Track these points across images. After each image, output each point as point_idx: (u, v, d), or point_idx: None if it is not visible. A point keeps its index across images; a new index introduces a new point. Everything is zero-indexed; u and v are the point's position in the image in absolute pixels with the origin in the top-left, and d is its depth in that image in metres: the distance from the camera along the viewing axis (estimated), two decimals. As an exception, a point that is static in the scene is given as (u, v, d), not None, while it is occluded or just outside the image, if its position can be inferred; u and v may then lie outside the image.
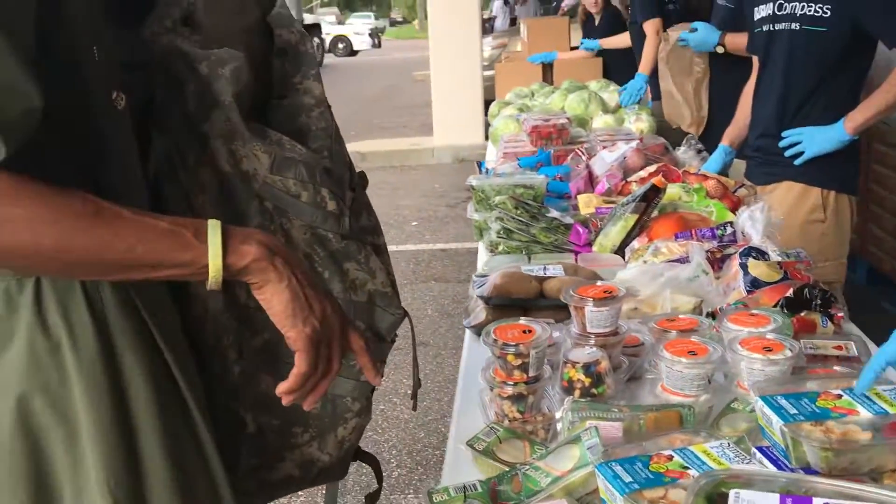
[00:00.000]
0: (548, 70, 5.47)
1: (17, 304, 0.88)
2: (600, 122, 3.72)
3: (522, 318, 1.31)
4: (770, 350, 1.24)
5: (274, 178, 1.09)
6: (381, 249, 1.31)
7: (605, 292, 1.36)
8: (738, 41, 2.90)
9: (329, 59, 24.15)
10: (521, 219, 2.10)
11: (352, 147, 8.27)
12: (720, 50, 3.04)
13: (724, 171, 2.65)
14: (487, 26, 19.00)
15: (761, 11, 2.40)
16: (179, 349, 1.01)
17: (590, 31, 5.49)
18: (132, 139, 0.98)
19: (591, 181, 2.61)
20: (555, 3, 13.16)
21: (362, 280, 1.19)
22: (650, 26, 4.00)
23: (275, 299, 0.91)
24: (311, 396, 0.97)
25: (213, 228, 0.88)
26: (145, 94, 1.02)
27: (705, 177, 2.40)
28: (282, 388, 0.94)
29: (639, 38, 4.19)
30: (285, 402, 0.95)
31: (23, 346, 0.88)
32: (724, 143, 2.68)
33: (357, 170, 1.30)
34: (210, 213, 1.03)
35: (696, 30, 3.11)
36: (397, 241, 5.41)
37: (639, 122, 3.60)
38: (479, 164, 2.86)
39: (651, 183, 2.04)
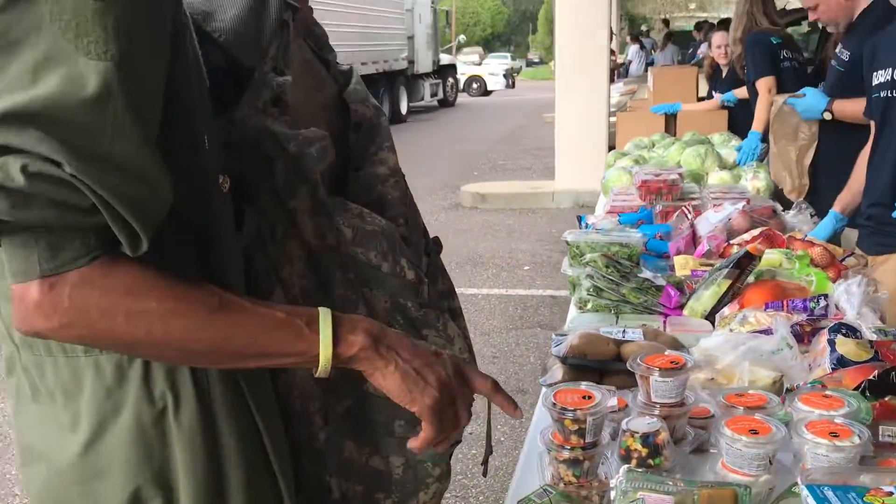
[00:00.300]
0: (671, 121, 5.42)
1: (128, 376, 0.93)
2: (716, 178, 3.66)
3: (584, 383, 1.33)
4: (836, 436, 1.21)
5: (356, 250, 1.12)
6: (457, 314, 1.33)
7: (671, 363, 1.37)
8: (847, 108, 2.82)
9: (463, 98, 24.65)
10: (611, 277, 2.11)
11: (473, 187, 8.47)
12: (828, 116, 2.95)
13: (834, 239, 2.57)
14: (622, 70, 18.96)
15: (880, 77, 2.33)
16: (271, 417, 1.05)
17: (716, 82, 5.42)
18: (231, 218, 1.02)
19: (694, 241, 2.58)
20: (690, 51, 12.99)
21: (441, 347, 1.19)
22: (763, 84, 3.93)
23: (387, 382, 0.96)
24: (439, 446, 1.03)
25: (325, 318, 0.93)
26: (236, 171, 1.07)
27: (812, 244, 2.34)
28: (412, 444, 1.01)
29: (753, 95, 4.12)
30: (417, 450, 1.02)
31: (130, 416, 0.93)
32: (836, 209, 2.60)
33: (432, 234, 1.35)
34: (296, 285, 1.08)
35: (804, 95, 3.03)
36: (508, 285, 5.46)
37: (755, 181, 3.52)
38: (580, 219, 2.88)
39: (745, 249, 2.01)
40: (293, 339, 0.92)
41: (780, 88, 3.87)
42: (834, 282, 2.10)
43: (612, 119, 7.74)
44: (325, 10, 13.29)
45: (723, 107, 5.21)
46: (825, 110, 2.98)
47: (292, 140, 1.07)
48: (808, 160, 3.09)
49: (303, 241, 1.10)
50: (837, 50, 3.07)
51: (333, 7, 13.69)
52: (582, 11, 7.70)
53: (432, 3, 19.44)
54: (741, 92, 4.96)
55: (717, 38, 5.31)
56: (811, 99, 3.01)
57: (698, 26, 14.35)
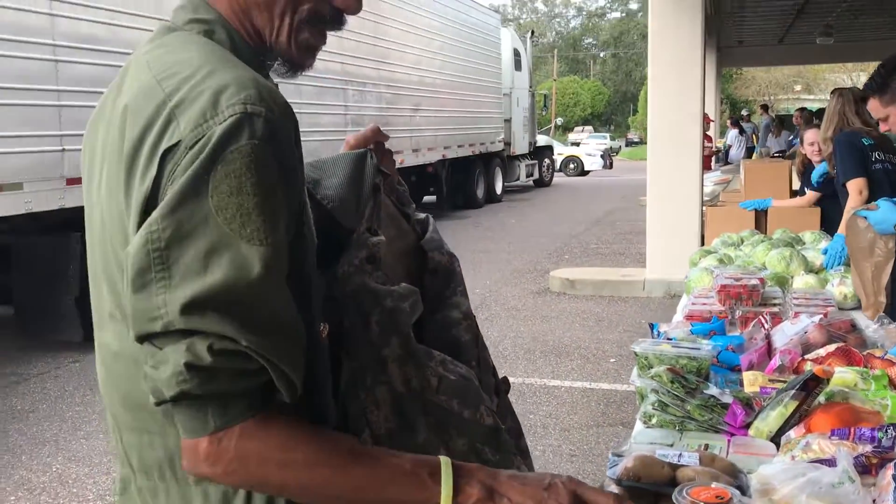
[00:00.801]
0: (762, 216, 5.37)
1: (232, 502, 1.02)
2: (801, 282, 3.61)
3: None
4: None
5: (440, 397, 1.20)
6: (525, 453, 1.38)
7: (717, 497, 1.38)
8: None
9: (559, 178, 24.82)
10: (676, 393, 2.12)
11: (563, 273, 8.50)
12: None
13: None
14: (721, 155, 18.77)
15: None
16: None
17: (808, 179, 5.35)
18: (329, 365, 1.11)
19: (769, 353, 2.56)
20: (791, 137, 12.78)
21: None
22: (853, 186, 3.86)
23: None
24: None
25: (446, 469, 0.99)
26: (335, 322, 1.17)
27: (892, 363, 2.29)
28: None
29: (843, 196, 4.05)
30: None
31: None
32: None
33: (500, 375, 1.42)
34: (382, 427, 1.15)
35: (877, 207, 2.94)
36: (592, 378, 5.42)
37: (842, 287, 3.45)
38: (652, 326, 2.89)
39: (811, 371, 2.00)
40: (417, 488, 0.98)
41: (872, 191, 3.81)
42: (913, 407, 2.05)
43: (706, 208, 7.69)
44: (424, 96, 13.77)
45: (817, 202, 5.14)
46: None
47: (388, 296, 1.17)
48: (885, 277, 2.97)
49: (391, 387, 1.17)
50: None
51: (433, 94, 14.17)
52: (675, 97, 7.74)
53: (530, 87, 19.84)
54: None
55: (810, 135, 5.27)
56: (883, 212, 2.92)
57: (801, 111, 14.15)
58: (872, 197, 3.51)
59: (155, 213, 0.90)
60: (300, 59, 1.12)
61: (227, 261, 0.89)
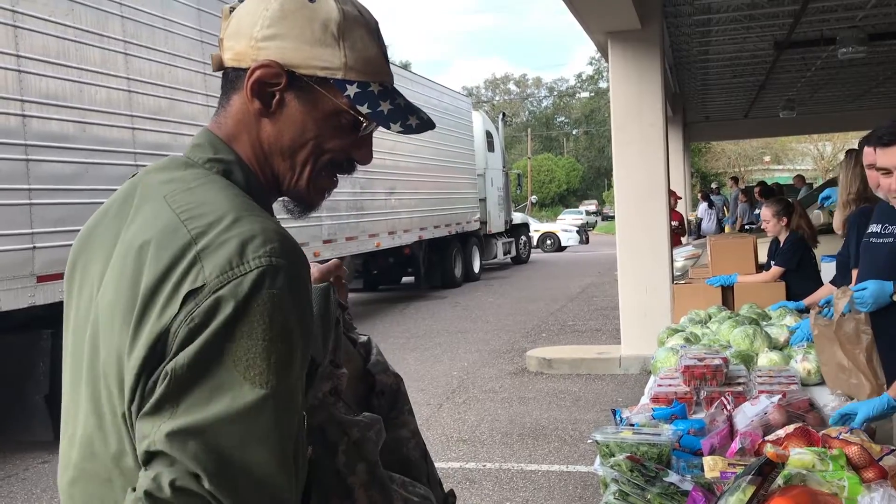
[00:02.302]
0: (728, 292, 5.43)
1: None
2: (765, 359, 3.64)
3: None
4: None
5: None
6: None
7: None
8: None
9: (536, 254, 25.01)
10: (636, 482, 2.13)
11: (539, 352, 8.49)
12: None
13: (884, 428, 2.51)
14: (693, 228, 19.04)
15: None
16: None
17: (774, 252, 5.45)
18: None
19: (731, 435, 2.57)
20: (757, 211, 13.02)
21: None
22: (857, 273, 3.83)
23: None
24: None
25: None
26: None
27: (848, 443, 2.31)
28: None
29: (840, 267, 4.01)
30: None
31: None
32: (891, 394, 2.54)
33: (447, 488, 1.45)
34: None
35: (865, 288, 2.94)
36: (569, 461, 5.38)
37: (805, 363, 3.49)
38: (615, 412, 2.90)
39: (765, 457, 2.01)
40: None
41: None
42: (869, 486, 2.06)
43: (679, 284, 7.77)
44: (399, 179, 13.97)
45: (781, 276, 5.22)
46: (894, 292, 2.89)
47: (354, 426, 1.21)
48: (877, 357, 3.00)
49: None
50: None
51: (408, 177, 14.38)
52: (639, 175, 7.91)
53: (504, 167, 20.18)
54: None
55: (765, 212, 5.40)
56: (875, 287, 2.93)
57: (761, 185, 14.45)
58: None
59: (182, 358, 0.94)
60: (314, 201, 1.20)
61: (228, 399, 0.93)
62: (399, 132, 1.16)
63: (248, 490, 0.94)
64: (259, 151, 1.14)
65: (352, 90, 1.12)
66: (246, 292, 0.95)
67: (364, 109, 1.13)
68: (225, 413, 0.93)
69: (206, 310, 0.95)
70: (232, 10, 1.16)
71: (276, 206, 1.23)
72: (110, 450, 1.03)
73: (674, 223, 10.79)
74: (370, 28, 1.16)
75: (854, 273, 3.40)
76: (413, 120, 1.17)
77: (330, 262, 1.39)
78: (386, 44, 1.20)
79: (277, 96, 1.11)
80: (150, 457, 0.93)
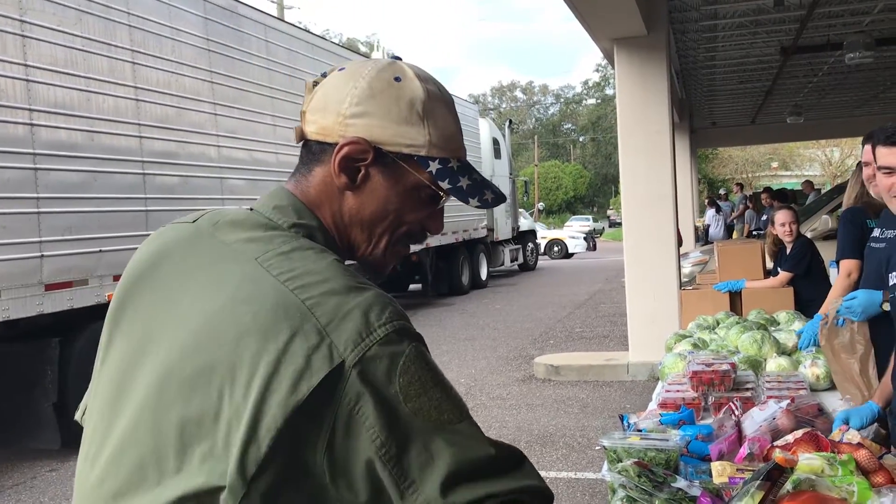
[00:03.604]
0: (736, 298, 5.41)
1: None
2: (773, 364, 3.63)
3: None
4: None
5: None
6: None
7: None
8: None
9: (544, 261, 24.98)
10: (643, 487, 2.11)
11: (547, 359, 8.47)
12: (887, 307, 2.89)
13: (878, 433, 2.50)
14: (701, 234, 19.00)
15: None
16: None
17: (781, 259, 5.43)
18: None
19: (740, 440, 2.56)
20: (765, 217, 12.99)
21: None
22: (844, 267, 3.86)
23: None
24: None
25: None
26: None
27: (858, 447, 2.29)
28: None
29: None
30: None
31: None
32: (875, 401, 2.53)
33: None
34: None
35: (854, 298, 2.95)
36: (577, 467, 5.36)
37: (814, 368, 3.47)
38: (622, 418, 2.89)
39: (774, 462, 2.00)
40: None
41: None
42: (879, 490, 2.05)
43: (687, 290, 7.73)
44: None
45: (790, 281, 5.20)
46: (882, 302, 2.89)
47: None
48: (872, 368, 2.99)
49: None
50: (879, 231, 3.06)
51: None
52: (645, 182, 7.90)
53: (511, 174, 20.19)
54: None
55: (781, 215, 5.37)
56: (864, 297, 2.94)
57: (767, 191, 14.40)
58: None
59: (378, 439, 0.97)
60: (386, 267, 1.23)
61: (444, 444, 0.99)
62: (477, 206, 1.20)
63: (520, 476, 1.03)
64: (340, 221, 1.17)
65: (434, 166, 1.15)
66: (392, 359, 0.99)
67: (445, 185, 1.16)
68: (456, 453, 0.98)
69: (360, 386, 0.97)
70: (316, 83, 1.19)
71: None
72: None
73: None
74: (449, 106, 1.20)
75: (832, 271, 3.43)
76: (489, 195, 1.20)
77: None
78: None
79: (363, 171, 1.14)
80: None
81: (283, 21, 12.75)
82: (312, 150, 1.18)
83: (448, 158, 1.17)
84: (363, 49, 33.41)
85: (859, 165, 4.18)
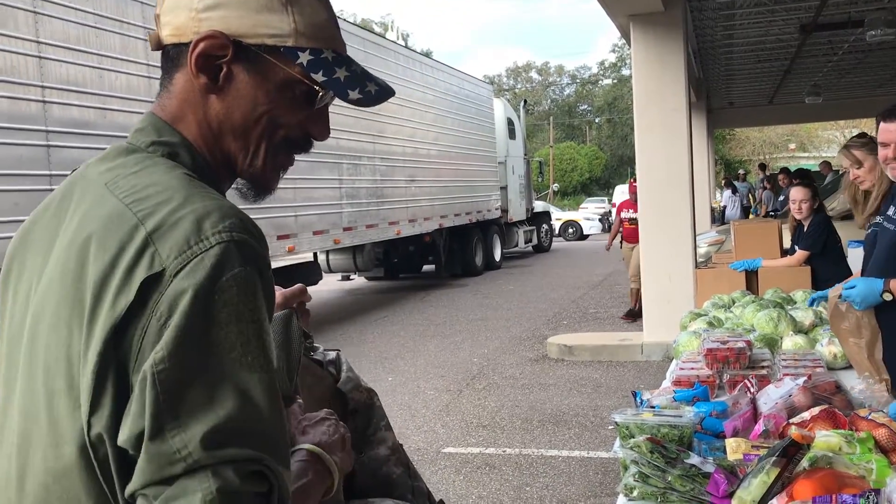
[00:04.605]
0: (753, 277, 5.35)
1: None
2: (790, 343, 3.57)
3: None
4: None
5: None
6: None
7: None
8: None
9: (558, 243, 24.88)
10: (656, 463, 2.08)
11: (560, 339, 8.43)
12: (888, 297, 2.81)
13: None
14: (717, 215, 18.86)
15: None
16: None
17: (799, 236, 5.35)
18: None
19: (755, 418, 2.51)
20: (782, 198, 12.86)
21: None
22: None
23: None
24: None
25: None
26: None
27: (877, 424, 2.25)
28: None
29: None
30: None
31: None
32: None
33: (430, 494, 1.42)
34: None
35: (853, 286, 2.86)
36: (589, 446, 5.34)
37: (831, 346, 3.41)
38: (635, 394, 2.85)
39: (790, 437, 1.96)
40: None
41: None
42: (898, 469, 2.01)
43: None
44: (419, 167, 13.93)
45: (807, 260, 5.13)
46: (883, 291, 2.80)
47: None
48: (878, 354, 2.92)
49: None
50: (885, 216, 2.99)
51: (428, 165, 14.35)
52: (662, 161, 7.81)
53: (525, 154, 20.07)
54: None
55: (794, 192, 5.29)
56: (863, 286, 2.84)
57: (785, 171, 14.26)
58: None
59: (160, 352, 0.86)
60: (270, 182, 1.12)
61: (232, 392, 0.87)
62: (357, 100, 1.08)
63: (286, 467, 0.92)
64: (207, 132, 1.06)
65: (304, 58, 1.05)
66: (214, 271, 0.88)
67: (319, 77, 1.06)
68: (240, 407, 0.87)
69: (173, 297, 0.88)
70: None
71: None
72: (49, 463, 0.94)
73: (635, 216, 9.49)
74: None
75: (851, 251, 3.35)
76: (371, 87, 1.09)
77: (293, 287, 1.32)
78: (335, 11, 1.13)
79: (224, 69, 1.04)
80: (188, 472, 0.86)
81: None
82: (170, 56, 1.07)
83: (320, 49, 1.06)
84: (377, 29, 33.25)
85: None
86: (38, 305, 0.98)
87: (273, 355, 0.93)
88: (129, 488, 0.88)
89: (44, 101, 6.01)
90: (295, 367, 1.18)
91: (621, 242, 10.65)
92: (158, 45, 1.08)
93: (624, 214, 10.34)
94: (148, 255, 0.89)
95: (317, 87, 1.07)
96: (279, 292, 1.27)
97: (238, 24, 1.02)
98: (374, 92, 1.09)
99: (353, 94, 1.07)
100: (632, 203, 10.00)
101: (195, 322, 0.87)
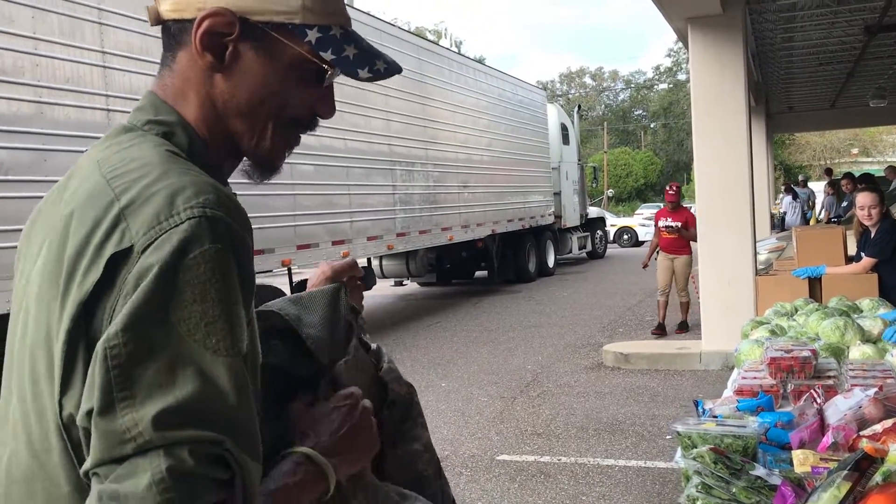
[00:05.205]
0: (816, 284, 5.21)
1: None
2: (857, 352, 3.46)
3: None
4: None
5: None
6: None
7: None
8: None
9: (613, 249, 24.62)
10: (720, 475, 2.03)
11: (616, 347, 8.33)
12: None
13: None
14: (777, 221, 18.44)
15: None
16: None
17: (865, 242, 5.20)
18: None
19: (822, 430, 2.44)
20: (845, 204, 12.51)
21: None
22: None
23: None
24: None
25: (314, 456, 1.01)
26: None
27: (953, 438, 2.16)
28: None
29: None
30: None
31: None
32: None
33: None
34: None
35: None
36: (647, 456, 5.25)
37: (902, 356, 3.30)
38: (697, 403, 2.79)
39: (863, 450, 1.89)
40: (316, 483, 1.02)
41: None
42: (976, 486, 1.92)
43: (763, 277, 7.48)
44: (472, 173, 13.93)
45: (873, 268, 4.98)
46: None
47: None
48: None
49: None
50: None
51: (481, 170, 14.34)
52: (722, 166, 7.66)
53: (579, 160, 19.93)
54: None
55: (861, 198, 5.14)
56: None
57: (848, 177, 13.87)
58: None
59: (113, 328, 0.83)
60: (276, 161, 1.09)
61: (193, 374, 0.83)
62: (367, 78, 1.05)
63: (251, 455, 0.87)
64: (210, 112, 1.03)
65: (313, 35, 1.02)
66: (181, 247, 0.85)
67: (328, 56, 1.03)
68: (201, 391, 0.83)
69: (138, 274, 0.84)
70: None
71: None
72: (34, 446, 0.92)
73: (674, 224, 9.46)
74: None
75: None
76: (380, 64, 1.06)
77: (343, 261, 1.30)
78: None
79: (231, 48, 1.00)
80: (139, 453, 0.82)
81: (353, 7, 12.81)
82: (172, 33, 1.04)
83: (329, 26, 1.03)
84: (430, 37, 33.42)
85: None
86: (32, 286, 0.96)
87: (243, 340, 0.87)
88: (84, 467, 0.84)
89: (108, 110, 6.17)
90: (341, 346, 1.16)
91: (658, 254, 10.00)
92: (158, 19, 1.04)
93: (661, 223, 9.74)
94: (119, 231, 0.87)
95: (326, 66, 1.04)
96: (328, 265, 1.26)
97: (245, 1, 1.00)
98: (382, 70, 1.07)
99: (364, 73, 1.05)
100: (669, 211, 9.63)
101: (155, 299, 0.83)
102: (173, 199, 0.88)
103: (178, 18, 1.02)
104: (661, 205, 10.91)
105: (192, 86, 1.03)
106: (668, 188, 9.72)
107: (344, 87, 10.09)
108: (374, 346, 1.34)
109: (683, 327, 9.61)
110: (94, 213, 0.90)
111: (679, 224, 9.50)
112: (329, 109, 1.09)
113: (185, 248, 0.85)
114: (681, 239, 9.55)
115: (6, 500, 0.96)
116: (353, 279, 1.29)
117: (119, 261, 0.86)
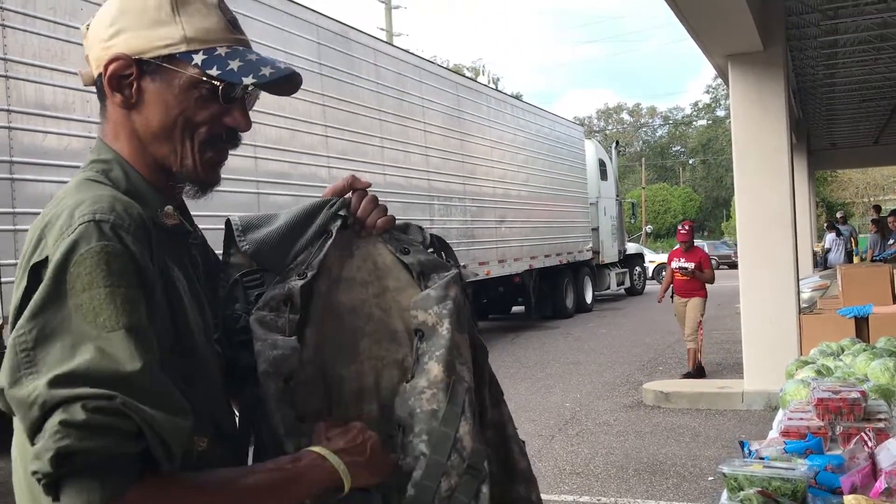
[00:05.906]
0: (863, 324, 5.11)
1: None
2: (908, 394, 3.37)
3: None
4: None
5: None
6: None
7: None
8: None
9: (652, 285, 24.37)
10: (769, 519, 1.98)
11: (656, 385, 8.21)
12: None
13: None
14: (820, 259, 18.15)
15: None
16: None
17: (913, 282, 5.10)
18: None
19: (874, 474, 2.37)
20: (891, 241, 12.27)
21: None
22: None
23: None
24: None
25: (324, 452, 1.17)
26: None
27: None
28: None
29: None
30: None
31: None
32: None
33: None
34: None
35: None
36: (688, 497, 5.15)
37: (955, 399, 3.21)
38: (742, 444, 2.73)
39: (918, 497, 1.83)
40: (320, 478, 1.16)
41: None
42: None
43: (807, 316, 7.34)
44: (510, 208, 13.95)
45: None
46: None
47: (259, 341, 1.22)
48: None
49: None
50: None
51: (518, 206, 14.35)
52: (764, 204, 7.58)
53: (617, 196, 19.85)
54: None
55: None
56: None
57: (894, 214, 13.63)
58: None
59: (21, 320, 0.99)
60: (208, 178, 1.22)
61: (89, 349, 0.97)
62: (253, 84, 1.17)
63: (154, 408, 0.97)
64: (137, 144, 1.18)
65: (198, 58, 1.15)
66: (70, 248, 1.00)
67: (214, 72, 1.15)
68: (97, 360, 0.96)
69: (38, 276, 1.01)
70: (88, 27, 1.21)
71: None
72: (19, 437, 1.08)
73: (687, 265, 9.13)
74: (206, 2, 1.19)
75: None
76: (266, 70, 1.18)
77: (342, 179, 1.39)
78: (233, 13, 1.23)
79: (135, 85, 1.16)
80: (46, 416, 0.94)
81: (392, 45, 13.00)
82: (98, 87, 1.20)
83: (213, 47, 1.17)
84: (468, 74, 33.71)
85: None
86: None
87: (135, 314, 1.00)
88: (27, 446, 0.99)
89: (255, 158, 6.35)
90: (303, 248, 1.30)
91: (672, 297, 9.62)
92: (90, 80, 1.21)
93: (675, 264, 9.35)
94: (41, 246, 1.04)
95: (215, 82, 1.16)
96: (330, 188, 1.37)
97: (136, 43, 1.15)
98: (268, 74, 1.18)
99: (248, 80, 1.16)
100: (682, 252, 9.27)
101: (51, 292, 0.99)
102: (73, 212, 1.05)
103: (99, 74, 1.18)
104: (701, 241, 10.71)
105: (120, 126, 1.19)
106: (679, 227, 9.46)
107: (390, 126, 10.22)
108: (448, 274, 1.32)
109: (689, 377, 8.96)
110: (32, 234, 1.08)
111: (692, 265, 9.16)
112: (239, 122, 1.21)
113: (73, 248, 1.01)
114: (695, 281, 9.19)
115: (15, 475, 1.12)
116: (360, 192, 1.36)
117: (40, 269, 1.02)
